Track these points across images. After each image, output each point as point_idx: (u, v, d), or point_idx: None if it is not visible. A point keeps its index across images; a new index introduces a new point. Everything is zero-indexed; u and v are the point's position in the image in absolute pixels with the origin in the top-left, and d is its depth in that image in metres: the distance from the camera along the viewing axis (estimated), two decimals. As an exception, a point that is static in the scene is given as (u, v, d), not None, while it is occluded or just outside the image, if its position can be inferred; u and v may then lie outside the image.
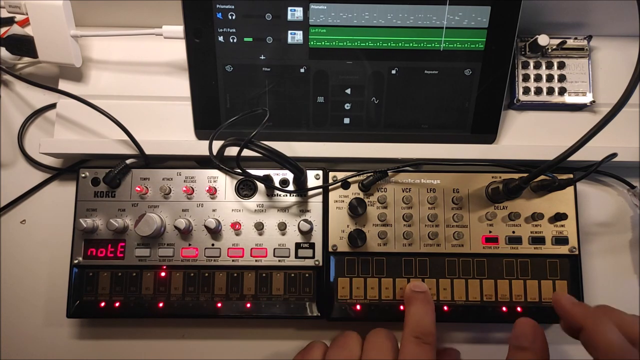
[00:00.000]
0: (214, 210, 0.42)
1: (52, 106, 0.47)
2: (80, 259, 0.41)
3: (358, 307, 0.41)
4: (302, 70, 0.43)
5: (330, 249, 0.41)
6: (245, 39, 0.41)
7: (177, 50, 0.44)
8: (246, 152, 0.35)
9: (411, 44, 0.42)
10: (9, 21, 0.46)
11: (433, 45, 0.42)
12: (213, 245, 0.41)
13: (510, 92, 0.45)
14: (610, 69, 0.46)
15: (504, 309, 0.41)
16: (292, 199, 0.42)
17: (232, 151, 0.39)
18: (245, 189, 0.42)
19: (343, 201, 0.42)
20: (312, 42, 0.42)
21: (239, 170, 0.38)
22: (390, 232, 0.42)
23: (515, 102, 0.45)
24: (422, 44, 0.42)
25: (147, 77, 0.46)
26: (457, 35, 0.41)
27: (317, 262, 0.41)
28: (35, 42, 0.42)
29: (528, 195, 0.42)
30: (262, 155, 0.35)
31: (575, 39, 0.45)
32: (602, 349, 0.27)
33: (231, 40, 0.41)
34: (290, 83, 0.43)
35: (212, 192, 0.42)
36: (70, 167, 0.46)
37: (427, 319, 0.37)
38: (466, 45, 0.42)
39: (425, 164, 0.43)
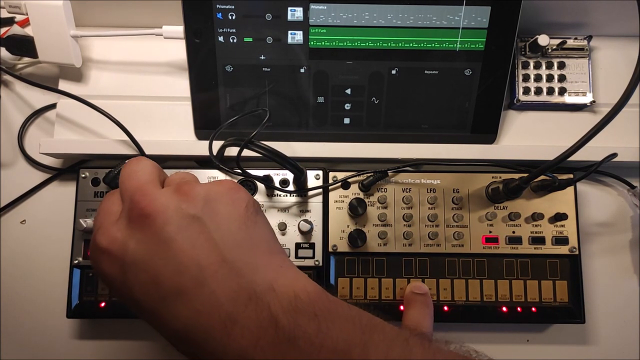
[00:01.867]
0: (214, 210, 0.42)
1: (52, 106, 0.47)
2: (80, 259, 0.41)
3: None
4: (302, 70, 0.43)
5: (330, 249, 0.41)
6: (245, 39, 0.41)
7: (177, 50, 0.44)
8: (246, 152, 0.35)
9: (411, 44, 0.42)
10: (9, 21, 0.46)
11: (433, 45, 0.42)
12: (213, 245, 0.41)
13: (510, 92, 0.45)
14: (610, 69, 0.46)
15: (504, 309, 0.41)
16: (292, 199, 0.42)
17: (232, 151, 0.39)
18: (245, 188, 0.42)
19: (343, 201, 0.42)
20: (312, 42, 0.42)
21: (239, 170, 0.38)
22: (391, 232, 0.42)
23: (515, 102, 0.45)
24: (422, 44, 0.42)
25: (147, 77, 0.46)
26: (457, 35, 0.41)
27: (317, 262, 0.41)
28: (35, 42, 0.42)
29: (528, 195, 0.42)
30: (262, 155, 0.35)
31: (575, 39, 0.45)
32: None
33: (231, 40, 0.41)
34: (290, 83, 0.43)
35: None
36: (70, 167, 0.46)
37: (424, 323, 0.37)
38: (466, 45, 0.42)
39: (425, 164, 0.43)
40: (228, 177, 0.42)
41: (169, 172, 0.41)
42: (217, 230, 0.24)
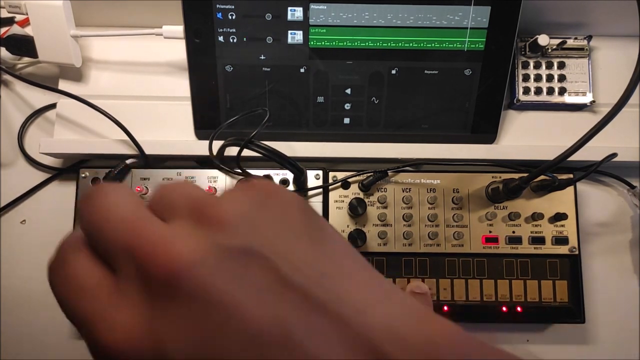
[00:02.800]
0: (214, 210, 0.42)
1: (52, 106, 0.47)
2: (80, 259, 0.41)
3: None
4: (302, 70, 0.43)
5: (330, 249, 0.41)
6: (245, 39, 0.41)
7: (177, 50, 0.44)
8: (246, 152, 0.35)
9: (411, 44, 0.42)
10: (9, 21, 0.46)
11: (433, 45, 0.42)
12: (213, 245, 0.41)
13: (510, 92, 0.45)
14: (610, 69, 0.46)
15: (504, 309, 0.41)
16: (292, 199, 0.42)
17: (232, 151, 0.39)
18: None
19: (343, 201, 0.42)
20: (312, 42, 0.42)
21: (239, 170, 0.38)
22: (390, 232, 0.42)
23: (515, 102, 0.45)
24: (422, 44, 0.42)
25: (147, 77, 0.46)
26: (457, 35, 0.41)
27: (317, 262, 0.41)
28: (35, 42, 0.42)
29: (528, 195, 0.42)
30: (262, 155, 0.35)
31: (575, 39, 0.45)
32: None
33: (231, 40, 0.41)
34: (290, 83, 0.43)
35: (212, 192, 0.42)
36: (70, 167, 0.46)
37: None
38: (466, 45, 0.42)
39: (425, 164, 0.43)
40: (241, 179, 0.42)
41: (169, 172, 0.42)
42: (279, 257, 0.15)
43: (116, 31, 0.43)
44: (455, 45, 0.42)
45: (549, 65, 0.45)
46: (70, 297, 0.16)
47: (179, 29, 0.41)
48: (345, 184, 0.43)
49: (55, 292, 0.17)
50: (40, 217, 0.46)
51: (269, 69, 0.42)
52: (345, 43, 0.42)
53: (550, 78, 0.45)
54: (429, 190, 0.43)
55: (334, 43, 0.42)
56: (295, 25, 0.41)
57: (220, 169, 0.42)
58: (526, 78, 0.45)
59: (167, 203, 0.16)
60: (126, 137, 0.42)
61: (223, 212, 0.15)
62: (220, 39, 0.41)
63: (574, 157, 0.32)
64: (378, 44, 0.42)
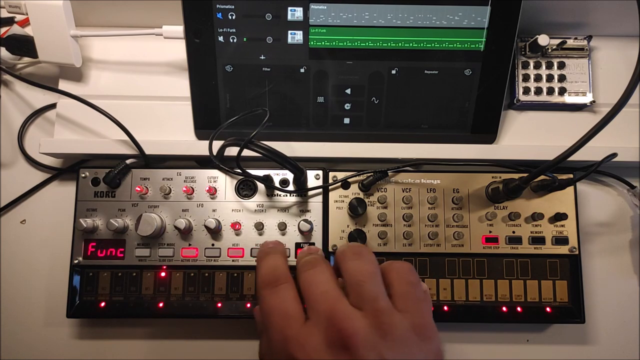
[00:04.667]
0: (214, 210, 0.42)
1: (52, 106, 0.47)
2: (80, 259, 0.41)
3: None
4: (302, 70, 0.43)
5: (330, 249, 0.41)
6: (245, 39, 0.41)
7: (177, 50, 0.44)
8: (246, 152, 0.35)
9: (411, 44, 0.42)
10: (9, 21, 0.46)
11: (433, 45, 0.42)
12: (213, 245, 0.41)
13: (510, 92, 0.45)
14: (610, 69, 0.46)
15: (504, 309, 0.41)
16: (292, 199, 0.42)
17: (232, 151, 0.39)
18: (245, 189, 0.42)
19: (343, 201, 0.42)
20: (312, 42, 0.42)
21: (239, 170, 0.38)
22: (390, 232, 0.42)
23: (515, 102, 0.45)
24: (422, 44, 0.42)
25: (147, 77, 0.46)
26: (457, 35, 0.41)
27: (317, 262, 0.41)
28: (35, 42, 0.42)
29: (528, 195, 0.42)
30: (262, 155, 0.35)
31: (575, 39, 0.45)
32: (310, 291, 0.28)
33: (231, 40, 0.41)
34: (290, 83, 0.43)
35: (212, 192, 0.42)
36: (70, 167, 0.46)
37: None
38: (466, 45, 0.42)
39: (425, 164, 0.43)
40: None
41: (169, 172, 0.42)
42: None
43: (116, 31, 0.43)
44: (455, 45, 0.42)
45: (549, 65, 0.45)
46: (277, 311, 0.27)
47: (179, 29, 0.41)
48: (345, 184, 0.43)
49: (265, 299, 0.28)
50: (40, 217, 0.46)
51: (269, 69, 0.42)
52: (345, 43, 0.42)
53: (550, 78, 0.45)
54: (429, 190, 0.43)
55: (334, 43, 0.42)
56: (295, 25, 0.41)
57: (220, 169, 0.42)
58: (526, 78, 0.45)
59: (360, 295, 0.26)
60: (126, 137, 0.42)
61: (395, 324, 0.25)
62: (220, 39, 0.41)
63: (574, 157, 0.32)
64: (378, 44, 0.42)
